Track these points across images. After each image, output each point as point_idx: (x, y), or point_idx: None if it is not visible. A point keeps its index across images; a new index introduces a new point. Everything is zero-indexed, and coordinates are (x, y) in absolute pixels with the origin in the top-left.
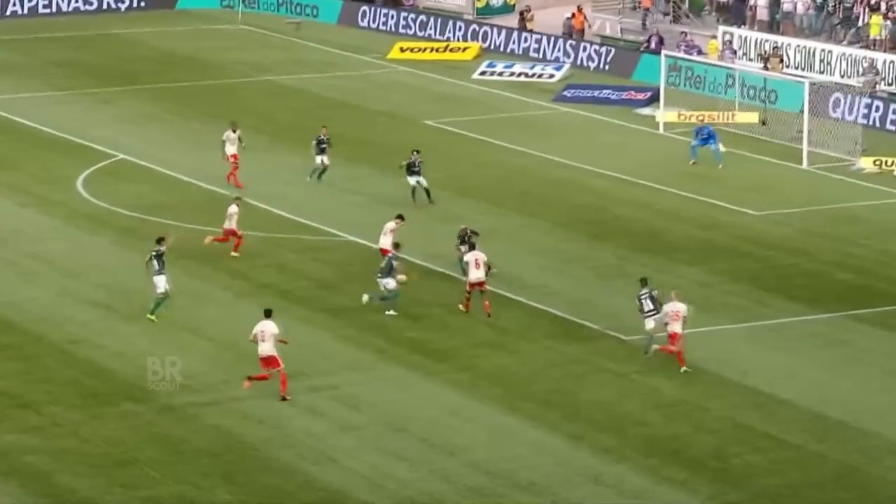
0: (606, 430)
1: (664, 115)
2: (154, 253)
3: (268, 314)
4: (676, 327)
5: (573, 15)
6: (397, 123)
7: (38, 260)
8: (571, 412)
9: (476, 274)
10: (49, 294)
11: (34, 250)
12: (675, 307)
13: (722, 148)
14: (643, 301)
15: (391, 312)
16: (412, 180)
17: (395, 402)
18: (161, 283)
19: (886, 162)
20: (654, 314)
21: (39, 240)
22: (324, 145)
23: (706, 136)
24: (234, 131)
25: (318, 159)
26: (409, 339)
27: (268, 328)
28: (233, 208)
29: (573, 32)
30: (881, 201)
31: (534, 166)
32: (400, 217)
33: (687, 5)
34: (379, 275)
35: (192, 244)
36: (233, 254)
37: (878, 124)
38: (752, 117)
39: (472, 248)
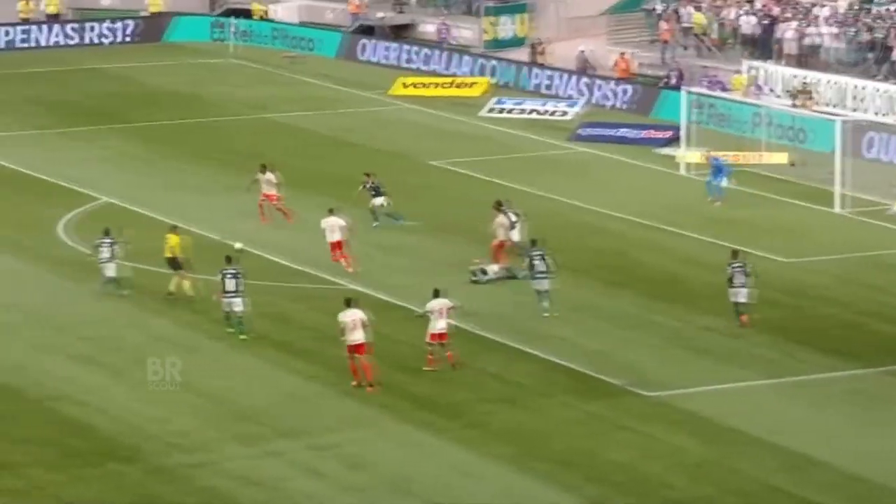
0: (629, 492)
1: (686, 155)
2: (229, 273)
3: (349, 303)
4: None
5: (616, 62)
6: (400, 164)
7: (16, 311)
8: (591, 473)
9: (440, 324)
10: (27, 348)
11: (11, 301)
12: None
13: (725, 183)
14: (735, 273)
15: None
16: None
17: (400, 460)
18: (238, 304)
19: None
20: (743, 287)
21: (16, 289)
22: (381, 190)
23: (717, 168)
24: (265, 172)
25: (378, 201)
26: (416, 394)
27: (357, 315)
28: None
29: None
30: None
31: (547, 209)
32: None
33: (710, 38)
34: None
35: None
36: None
37: None
38: (781, 157)
39: (436, 294)
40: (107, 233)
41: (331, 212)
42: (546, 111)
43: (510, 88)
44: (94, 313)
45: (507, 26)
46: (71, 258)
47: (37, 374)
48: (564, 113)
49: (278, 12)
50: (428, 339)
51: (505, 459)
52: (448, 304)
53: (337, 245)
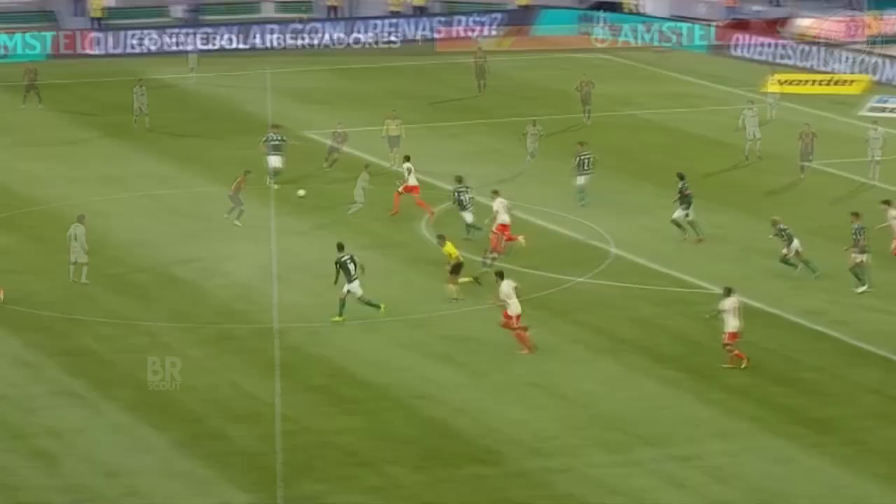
0: None
1: None
2: (346, 258)
3: (502, 275)
4: None
5: None
6: (772, 164)
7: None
8: None
9: (734, 322)
10: (390, 345)
11: (375, 296)
12: None
13: None
14: None
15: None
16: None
17: (771, 475)
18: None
19: None
20: None
21: (380, 285)
22: (587, 166)
23: None
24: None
25: (580, 181)
26: (787, 406)
27: (512, 286)
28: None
29: None
30: None
31: None
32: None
33: None
34: None
35: (543, 294)
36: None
37: None
38: None
39: (728, 293)
40: (459, 180)
41: (496, 193)
42: None
43: (893, 86)
44: (450, 312)
45: (893, 21)
46: (430, 256)
47: (399, 371)
48: None
49: (648, 5)
50: (727, 341)
51: (886, 479)
52: (738, 302)
53: (507, 227)
